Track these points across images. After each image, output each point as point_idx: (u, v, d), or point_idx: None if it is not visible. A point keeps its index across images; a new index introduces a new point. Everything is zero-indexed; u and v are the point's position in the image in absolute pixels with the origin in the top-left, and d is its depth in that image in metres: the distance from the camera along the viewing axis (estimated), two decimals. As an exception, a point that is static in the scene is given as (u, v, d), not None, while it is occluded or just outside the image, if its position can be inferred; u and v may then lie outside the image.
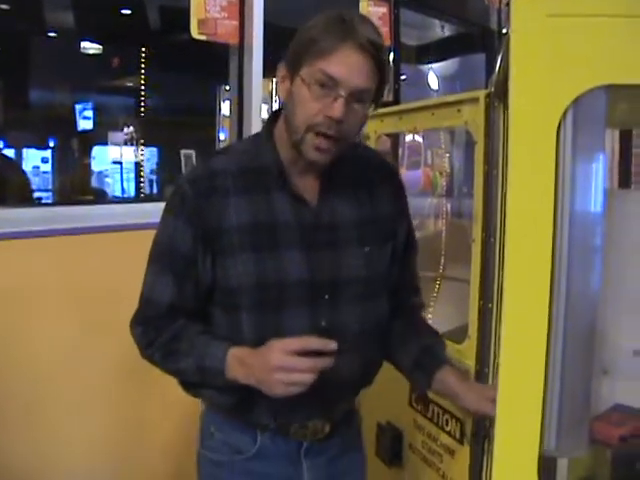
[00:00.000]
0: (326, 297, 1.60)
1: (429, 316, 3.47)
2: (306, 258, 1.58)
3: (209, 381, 1.59)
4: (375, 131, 2.64)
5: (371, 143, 2.68)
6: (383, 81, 1.53)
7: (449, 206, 3.75)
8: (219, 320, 1.66)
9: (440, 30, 5.18)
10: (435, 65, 5.71)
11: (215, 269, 1.59)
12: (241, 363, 1.53)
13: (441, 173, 4.06)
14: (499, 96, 1.89)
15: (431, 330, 1.87)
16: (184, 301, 1.63)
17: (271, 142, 1.62)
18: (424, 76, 5.70)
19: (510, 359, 1.21)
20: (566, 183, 1.08)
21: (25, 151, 10.15)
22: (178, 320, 1.63)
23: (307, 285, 1.59)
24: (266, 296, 1.58)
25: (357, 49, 1.45)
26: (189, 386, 1.69)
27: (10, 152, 11.16)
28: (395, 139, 3.31)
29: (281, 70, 1.56)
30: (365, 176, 1.70)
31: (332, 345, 1.43)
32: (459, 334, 2.69)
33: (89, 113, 11.52)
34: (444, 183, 3.93)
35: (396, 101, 3.17)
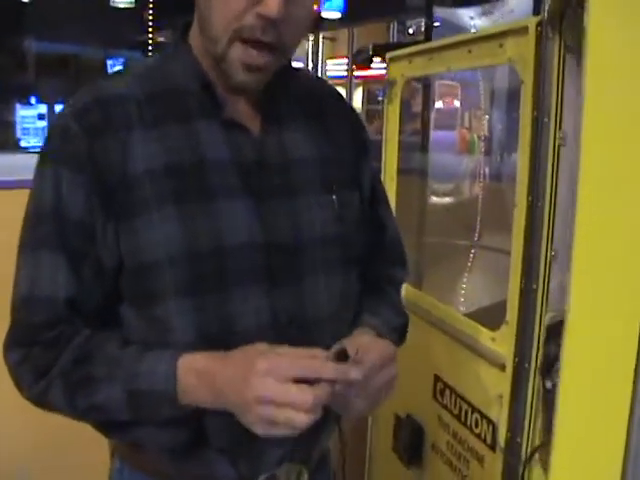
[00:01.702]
0: (289, 266, 1.12)
1: (462, 289, 3.11)
2: (254, 210, 1.10)
3: (148, 414, 1.05)
4: (402, 74, 2.26)
5: (397, 90, 2.30)
6: None
7: (487, 169, 3.36)
8: (133, 323, 1.10)
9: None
10: (477, 22, 5.23)
11: (120, 239, 1.06)
12: (203, 376, 1.01)
13: (479, 137, 3.68)
14: (554, 24, 1.50)
15: (387, 300, 1.33)
16: (85, 295, 1.08)
17: (187, 52, 1.13)
18: (462, 29, 5.24)
19: (576, 373, 0.85)
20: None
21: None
22: (80, 329, 1.08)
23: (261, 249, 1.10)
24: (202, 271, 1.07)
25: None
26: (112, 428, 1.12)
27: (43, 108, 11.05)
28: (426, 91, 2.88)
29: None
30: (315, 105, 1.24)
31: (355, 374, 0.97)
32: (494, 315, 2.35)
33: (120, 68, 11.27)
34: (482, 146, 3.54)
35: (428, 40, 2.76)
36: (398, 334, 1.28)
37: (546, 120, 1.53)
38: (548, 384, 1.43)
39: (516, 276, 1.61)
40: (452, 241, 3.15)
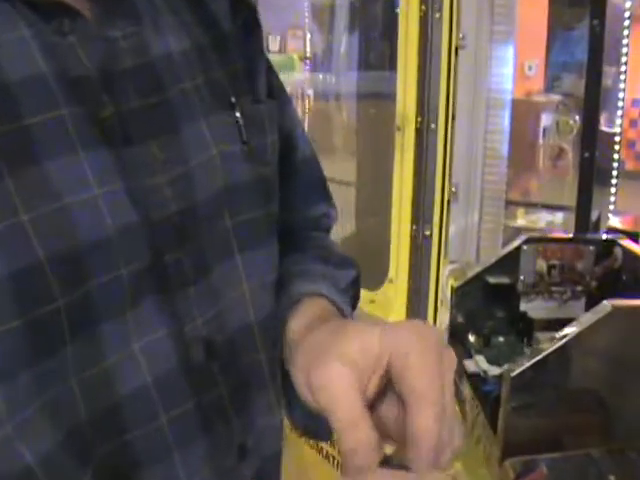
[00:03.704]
0: (189, 254, 0.59)
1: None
2: (114, 165, 0.55)
3: None
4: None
5: None
6: None
7: (311, 90, 3.03)
8: None
9: None
10: None
11: None
12: None
13: (301, 57, 3.38)
14: None
15: (322, 252, 0.78)
16: None
17: None
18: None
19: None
20: None
21: None
22: None
23: (140, 236, 0.55)
24: (44, 303, 0.50)
25: None
26: None
27: None
28: None
29: None
30: None
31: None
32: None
33: None
34: (307, 64, 3.22)
35: None
36: (352, 294, 0.76)
37: (438, 16, 1.17)
38: (469, 365, 1.10)
39: (403, 221, 1.27)
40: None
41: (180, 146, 0.59)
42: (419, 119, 1.20)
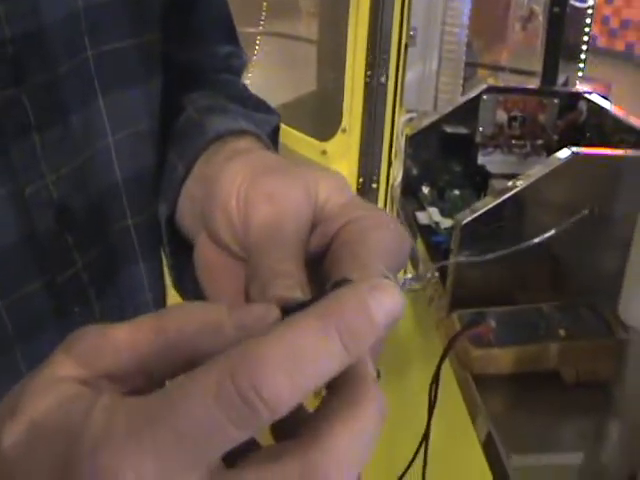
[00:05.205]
0: (29, 95, 0.44)
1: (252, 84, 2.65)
2: None
3: None
4: None
5: None
6: None
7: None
8: None
9: None
10: None
11: None
12: None
13: None
14: None
15: (234, 92, 0.62)
16: None
17: None
18: None
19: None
20: None
21: None
22: None
23: None
24: None
25: None
26: None
27: None
28: None
29: None
30: None
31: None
32: (298, 114, 1.96)
33: None
34: None
35: None
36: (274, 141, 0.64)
37: None
38: (421, 217, 1.04)
39: (357, 66, 1.18)
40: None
41: None
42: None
